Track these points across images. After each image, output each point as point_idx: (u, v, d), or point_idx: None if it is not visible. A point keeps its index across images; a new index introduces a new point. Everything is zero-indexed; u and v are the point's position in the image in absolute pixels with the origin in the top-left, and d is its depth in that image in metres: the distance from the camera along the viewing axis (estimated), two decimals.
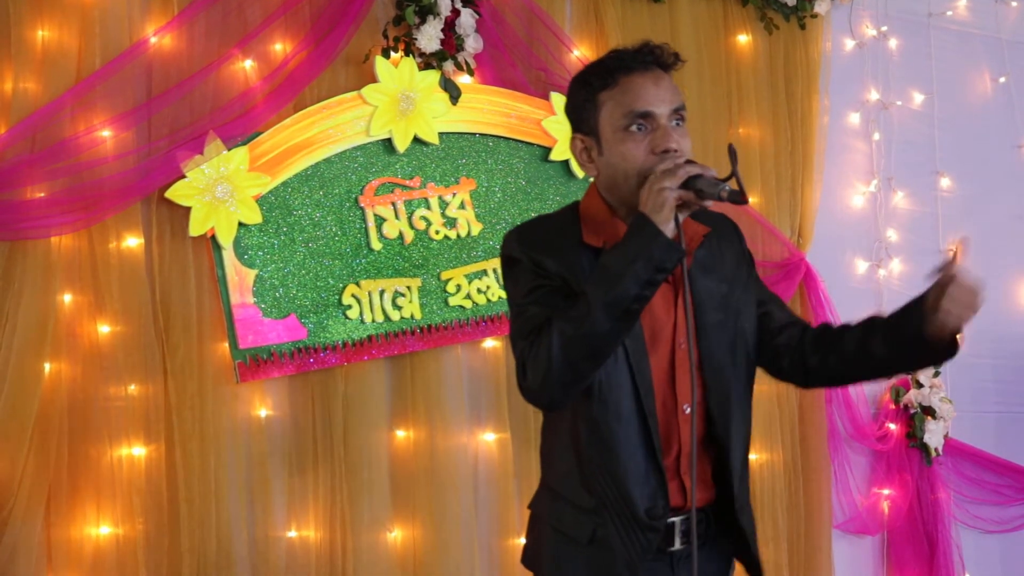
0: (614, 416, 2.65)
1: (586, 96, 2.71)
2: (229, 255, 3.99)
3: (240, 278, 4.00)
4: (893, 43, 5.70)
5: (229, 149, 3.95)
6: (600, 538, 2.67)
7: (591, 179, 2.82)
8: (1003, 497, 5.74)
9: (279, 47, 4.14)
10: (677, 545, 2.72)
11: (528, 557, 2.90)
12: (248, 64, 4.08)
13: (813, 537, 5.14)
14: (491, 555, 4.40)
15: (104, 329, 3.81)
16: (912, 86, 5.76)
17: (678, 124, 2.67)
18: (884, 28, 5.67)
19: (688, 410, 2.70)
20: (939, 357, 2.71)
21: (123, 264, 3.85)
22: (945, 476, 5.52)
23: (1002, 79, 6.00)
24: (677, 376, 2.71)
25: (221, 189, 3.93)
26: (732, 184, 2.51)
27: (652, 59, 2.68)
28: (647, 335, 2.68)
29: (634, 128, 2.63)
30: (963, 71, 5.95)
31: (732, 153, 2.55)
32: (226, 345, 3.98)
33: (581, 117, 2.74)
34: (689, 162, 2.57)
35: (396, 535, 4.24)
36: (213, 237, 3.94)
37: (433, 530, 4.25)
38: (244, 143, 4.00)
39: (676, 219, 2.52)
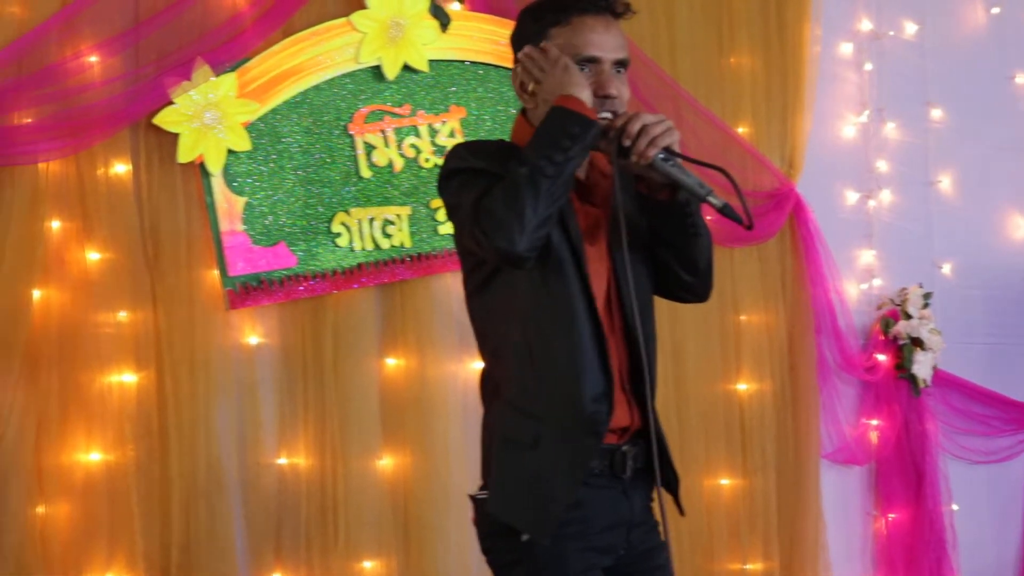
0: (568, 318, 2.68)
1: (537, 29, 2.76)
2: (218, 182, 3.97)
3: (229, 205, 3.99)
4: None
5: (217, 75, 3.93)
6: (543, 442, 2.68)
7: None
8: (991, 428, 5.77)
9: None
10: (628, 473, 2.75)
11: (482, 470, 2.90)
12: None
13: (801, 467, 5.14)
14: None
15: (93, 256, 3.81)
16: (904, 16, 5.72)
17: (619, 72, 2.74)
18: None
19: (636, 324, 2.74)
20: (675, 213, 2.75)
21: (111, 191, 3.84)
22: (933, 407, 5.53)
23: (994, 10, 5.97)
24: (612, 298, 2.77)
25: (209, 116, 3.91)
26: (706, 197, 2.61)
27: (605, 4, 2.74)
28: (589, 255, 2.74)
29: (579, 68, 2.70)
30: (955, 1, 5.91)
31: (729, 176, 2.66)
32: (216, 272, 3.97)
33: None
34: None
35: (386, 462, 4.25)
36: (202, 164, 3.93)
37: (423, 457, 4.25)
38: (232, 69, 3.98)
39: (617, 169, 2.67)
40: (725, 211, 2.59)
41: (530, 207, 2.52)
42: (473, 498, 2.85)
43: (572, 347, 2.67)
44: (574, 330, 2.67)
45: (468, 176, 2.70)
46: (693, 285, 2.90)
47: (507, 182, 2.56)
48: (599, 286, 2.75)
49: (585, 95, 2.60)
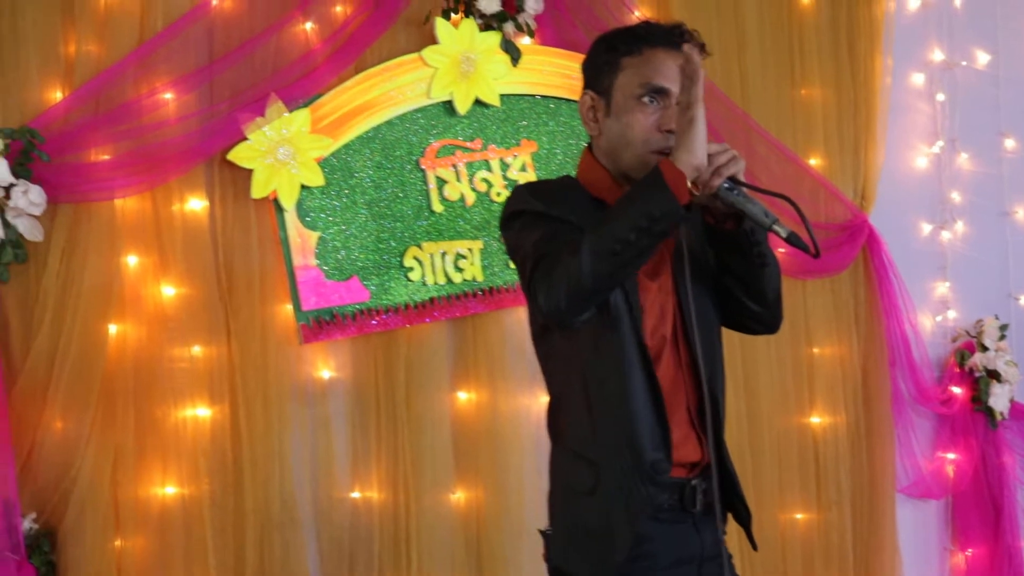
0: (622, 368, 2.68)
1: (608, 58, 2.80)
2: (291, 217, 4.00)
3: (303, 240, 4.01)
4: (958, 1, 5.63)
5: (291, 111, 3.95)
6: (601, 489, 2.69)
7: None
8: None
9: (340, 9, 4.14)
10: (698, 507, 2.74)
11: (548, 509, 2.89)
12: (309, 26, 4.08)
13: (877, 501, 5.10)
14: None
15: (168, 291, 3.84)
16: (977, 46, 5.69)
17: None
18: None
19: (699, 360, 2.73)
20: (742, 241, 2.72)
21: (187, 226, 3.87)
22: (1010, 440, 5.47)
23: None
24: (678, 332, 2.77)
25: (283, 151, 3.93)
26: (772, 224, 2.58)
27: (680, 40, 2.75)
28: (652, 291, 2.74)
29: (647, 100, 2.73)
30: None
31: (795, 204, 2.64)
32: (289, 307, 3.99)
33: (597, 76, 2.83)
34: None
35: (459, 496, 4.25)
36: (275, 199, 3.95)
37: (496, 492, 4.25)
38: (305, 105, 4.01)
39: (693, 196, 2.56)
40: (791, 240, 2.57)
41: (586, 275, 2.52)
42: (543, 533, 2.85)
43: (627, 396, 2.67)
44: (629, 380, 2.67)
45: (529, 219, 2.72)
46: (762, 315, 2.88)
47: (571, 244, 2.55)
48: (664, 322, 2.75)
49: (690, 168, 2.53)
